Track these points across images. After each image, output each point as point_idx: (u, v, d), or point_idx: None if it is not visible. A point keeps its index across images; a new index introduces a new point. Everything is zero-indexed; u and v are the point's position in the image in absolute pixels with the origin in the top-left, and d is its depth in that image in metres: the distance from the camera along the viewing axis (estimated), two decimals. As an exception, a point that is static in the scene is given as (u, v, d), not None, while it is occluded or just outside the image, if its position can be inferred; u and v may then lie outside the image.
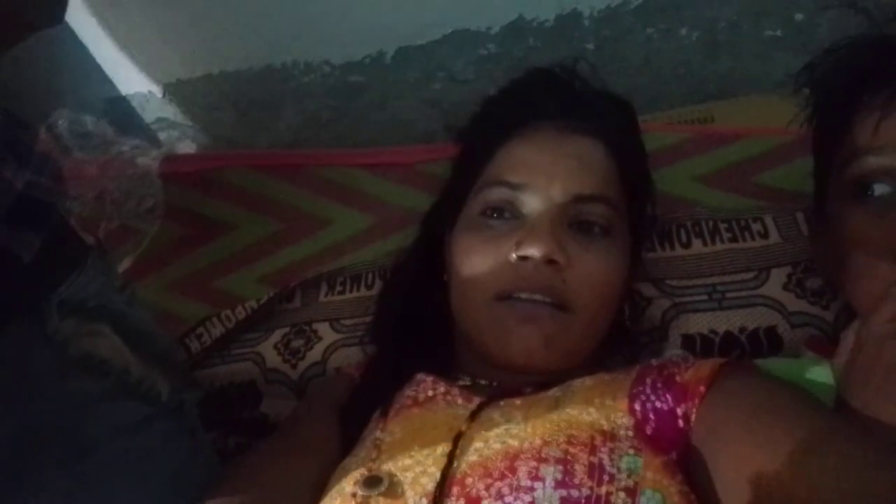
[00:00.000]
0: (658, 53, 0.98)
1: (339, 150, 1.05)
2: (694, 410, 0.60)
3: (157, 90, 1.08)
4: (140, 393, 0.71)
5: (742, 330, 0.80)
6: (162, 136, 1.07)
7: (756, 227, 0.85)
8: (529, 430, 0.59)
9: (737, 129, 0.91)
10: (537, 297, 0.67)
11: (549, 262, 0.67)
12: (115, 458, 0.66)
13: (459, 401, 0.67)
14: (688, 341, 0.81)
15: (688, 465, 0.59)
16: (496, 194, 0.72)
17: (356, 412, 0.71)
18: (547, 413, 0.61)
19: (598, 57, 1.01)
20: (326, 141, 1.10)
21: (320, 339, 0.92)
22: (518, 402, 0.65)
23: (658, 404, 0.62)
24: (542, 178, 0.70)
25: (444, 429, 0.62)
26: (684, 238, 0.87)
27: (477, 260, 0.70)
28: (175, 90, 1.07)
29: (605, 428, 0.59)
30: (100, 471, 0.65)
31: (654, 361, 0.69)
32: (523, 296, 0.67)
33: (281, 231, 1.02)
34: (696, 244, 0.86)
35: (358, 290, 0.95)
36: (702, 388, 0.61)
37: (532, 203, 0.70)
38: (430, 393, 0.69)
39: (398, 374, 0.73)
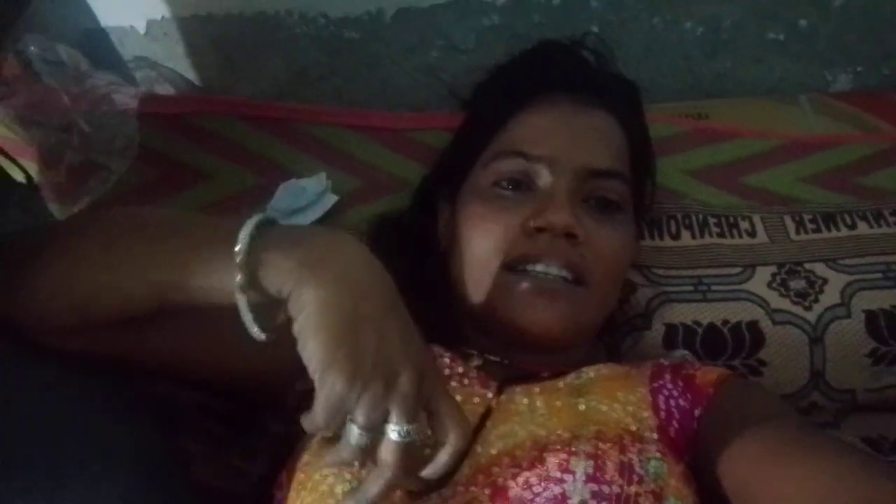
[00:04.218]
0: (659, 44, 0.98)
1: (328, 107, 1.01)
2: (704, 413, 0.61)
3: (139, 26, 1.02)
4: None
5: (725, 322, 0.81)
6: (139, 74, 1.01)
7: (744, 224, 0.87)
8: (555, 420, 0.58)
9: (732, 128, 0.92)
10: (553, 270, 0.66)
11: (568, 234, 0.66)
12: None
13: (476, 387, 0.63)
14: (670, 331, 0.81)
15: (695, 471, 0.59)
16: (511, 165, 0.70)
17: None
18: (570, 404, 0.60)
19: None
20: (311, 97, 1.06)
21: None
22: (537, 388, 0.63)
23: (681, 402, 0.62)
24: (560, 150, 0.69)
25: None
26: (674, 229, 0.87)
27: (488, 229, 0.68)
28: (158, 28, 1.02)
29: (633, 429, 0.59)
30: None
31: (664, 361, 0.69)
32: (538, 268, 0.66)
33: (259, 185, 0.98)
34: (685, 236, 0.87)
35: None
36: (710, 391, 0.62)
37: (548, 175, 0.69)
38: (447, 372, 0.65)
39: None
